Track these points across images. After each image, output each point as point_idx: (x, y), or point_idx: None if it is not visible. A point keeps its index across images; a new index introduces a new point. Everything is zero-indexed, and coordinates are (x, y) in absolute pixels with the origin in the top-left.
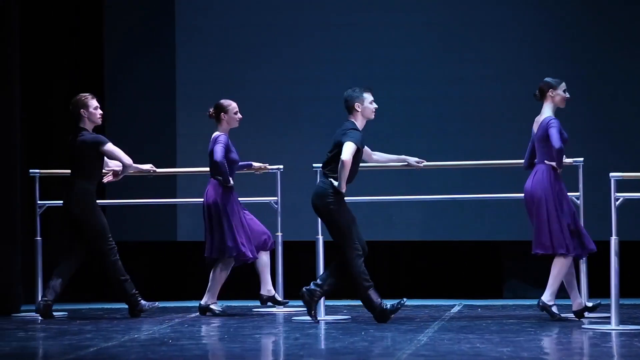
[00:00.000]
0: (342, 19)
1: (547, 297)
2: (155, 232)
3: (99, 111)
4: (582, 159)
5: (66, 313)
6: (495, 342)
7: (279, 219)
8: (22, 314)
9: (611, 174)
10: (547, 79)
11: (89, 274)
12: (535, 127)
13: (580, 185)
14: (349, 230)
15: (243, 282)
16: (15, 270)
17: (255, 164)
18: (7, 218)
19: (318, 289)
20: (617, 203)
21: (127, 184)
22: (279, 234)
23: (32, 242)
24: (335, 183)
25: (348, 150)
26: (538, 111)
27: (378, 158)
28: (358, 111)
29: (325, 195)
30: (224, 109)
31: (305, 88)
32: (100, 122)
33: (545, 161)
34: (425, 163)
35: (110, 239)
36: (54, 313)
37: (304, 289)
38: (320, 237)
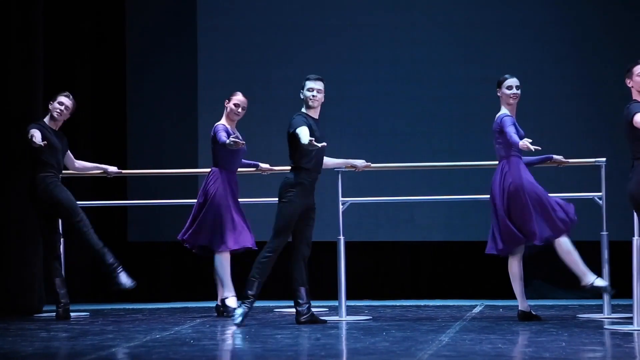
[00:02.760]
0: (365, 19)
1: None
2: (176, 233)
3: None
4: (604, 158)
5: (88, 313)
6: (517, 342)
7: None
8: (44, 314)
9: None
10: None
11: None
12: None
13: (603, 185)
14: (284, 227)
15: (265, 282)
16: (37, 271)
17: (263, 165)
18: (28, 218)
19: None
20: None
21: (148, 184)
22: None
23: None
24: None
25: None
26: (558, 110)
27: (324, 161)
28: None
29: (282, 186)
30: (228, 98)
31: (328, 88)
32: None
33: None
34: (372, 165)
35: (78, 213)
36: (74, 314)
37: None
38: (342, 238)
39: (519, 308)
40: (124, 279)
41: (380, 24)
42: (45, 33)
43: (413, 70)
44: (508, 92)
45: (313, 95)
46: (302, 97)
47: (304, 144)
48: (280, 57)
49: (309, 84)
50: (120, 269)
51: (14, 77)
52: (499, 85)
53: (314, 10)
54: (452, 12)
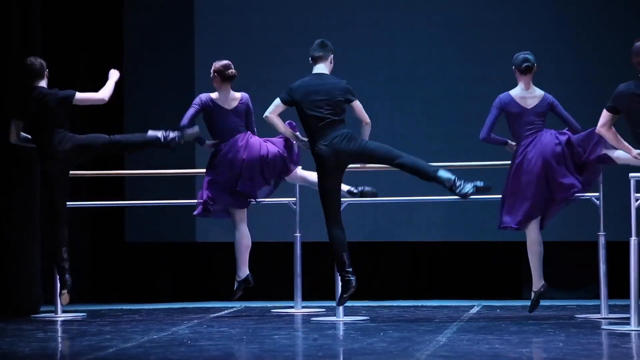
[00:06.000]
0: (363, 18)
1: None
2: (174, 233)
3: None
4: None
5: (85, 314)
6: (515, 342)
7: (298, 220)
8: (41, 314)
9: (631, 174)
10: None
11: (108, 275)
12: (532, 101)
13: (600, 186)
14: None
15: (261, 282)
16: (34, 271)
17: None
18: (26, 218)
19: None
20: (637, 203)
21: (145, 185)
22: (298, 234)
23: None
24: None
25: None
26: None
27: None
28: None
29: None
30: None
31: None
32: None
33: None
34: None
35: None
36: (71, 314)
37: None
38: None
39: (533, 289)
40: (185, 132)
41: (379, 23)
42: (43, 31)
43: (412, 70)
44: None
45: None
46: None
47: None
48: (279, 56)
49: None
50: (175, 136)
51: (12, 75)
52: None
53: (313, 10)
54: (451, 12)
